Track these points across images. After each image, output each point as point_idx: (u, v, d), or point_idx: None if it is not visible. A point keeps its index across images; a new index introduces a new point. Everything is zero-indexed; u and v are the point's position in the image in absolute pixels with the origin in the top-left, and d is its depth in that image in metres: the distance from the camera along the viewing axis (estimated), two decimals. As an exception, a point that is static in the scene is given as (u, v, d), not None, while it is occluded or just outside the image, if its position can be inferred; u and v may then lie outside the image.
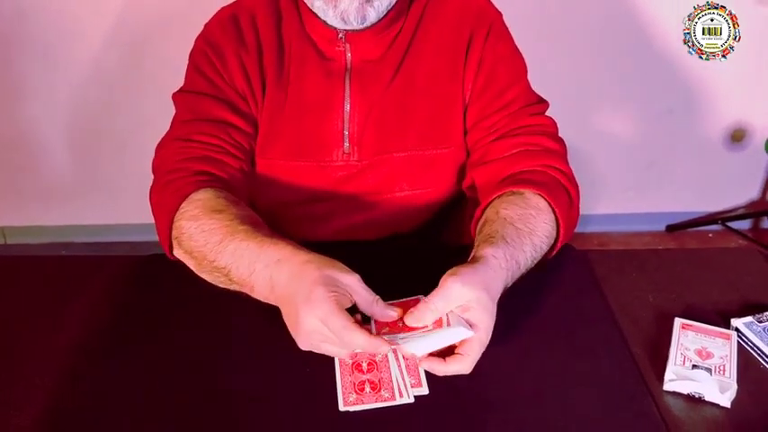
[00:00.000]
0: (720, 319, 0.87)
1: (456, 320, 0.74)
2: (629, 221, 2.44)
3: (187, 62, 1.06)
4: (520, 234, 0.86)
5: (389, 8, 0.99)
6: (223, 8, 1.07)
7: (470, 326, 0.74)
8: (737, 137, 2.31)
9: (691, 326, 0.84)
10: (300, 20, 1.04)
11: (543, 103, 1.06)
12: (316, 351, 0.76)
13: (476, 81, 1.03)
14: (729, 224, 2.40)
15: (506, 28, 1.07)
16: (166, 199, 0.92)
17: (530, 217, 0.89)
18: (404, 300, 0.82)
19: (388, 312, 0.78)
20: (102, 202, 2.32)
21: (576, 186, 0.98)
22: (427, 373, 0.77)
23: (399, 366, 0.78)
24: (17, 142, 2.22)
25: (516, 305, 0.88)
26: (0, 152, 2.24)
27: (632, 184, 2.40)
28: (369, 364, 0.79)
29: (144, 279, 0.97)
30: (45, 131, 2.21)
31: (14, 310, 0.92)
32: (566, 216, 0.93)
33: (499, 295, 0.79)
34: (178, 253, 0.91)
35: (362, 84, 1.03)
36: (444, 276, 0.77)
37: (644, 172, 2.38)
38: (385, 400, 0.75)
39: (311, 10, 1.00)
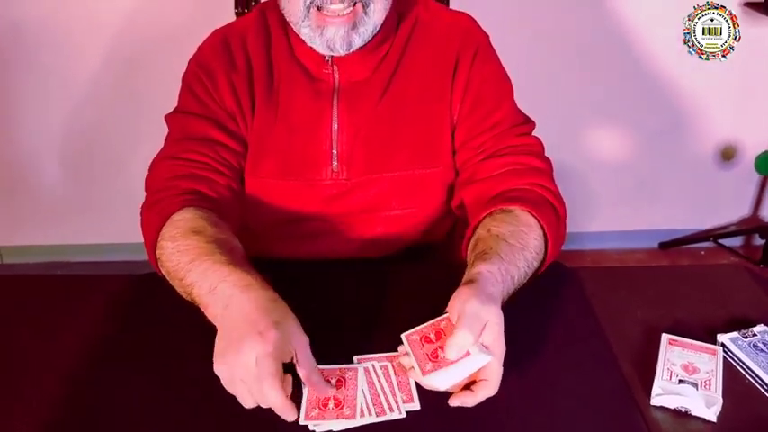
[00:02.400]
0: (707, 334, 0.88)
1: (476, 348, 0.74)
2: (623, 239, 2.46)
3: (180, 84, 1.09)
4: (513, 250, 0.88)
5: (375, 32, 1.01)
6: (215, 31, 1.10)
7: (485, 347, 0.75)
8: (728, 155, 2.33)
9: (677, 341, 0.85)
10: (289, 42, 1.07)
11: (530, 123, 1.08)
12: (225, 386, 0.73)
13: (463, 102, 1.06)
14: (721, 241, 2.42)
15: (493, 49, 1.10)
16: (152, 219, 0.94)
17: (521, 233, 0.91)
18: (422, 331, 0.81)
19: (322, 385, 0.75)
20: (97, 221, 2.33)
21: (563, 204, 1.00)
22: (418, 389, 0.78)
23: (391, 383, 0.79)
24: (12, 162, 2.24)
25: (506, 321, 0.88)
26: (-4, 172, 2.26)
27: (625, 201, 2.43)
28: (337, 381, 0.79)
29: (141, 297, 0.99)
30: (40, 151, 2.23)
31: (13, 330, 0.93)
32: (554, 233, 0.95)
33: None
34: (162, 271, 0.92)
35: (350, 104, 1.05)
36: (456, 300, 0.77)
37: (636, 190, 2.40)
38: (346, 418, 0.75)
39: (298, 34, 1.02)
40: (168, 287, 0.92)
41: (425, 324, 0.80)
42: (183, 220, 0.92)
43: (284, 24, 1.06)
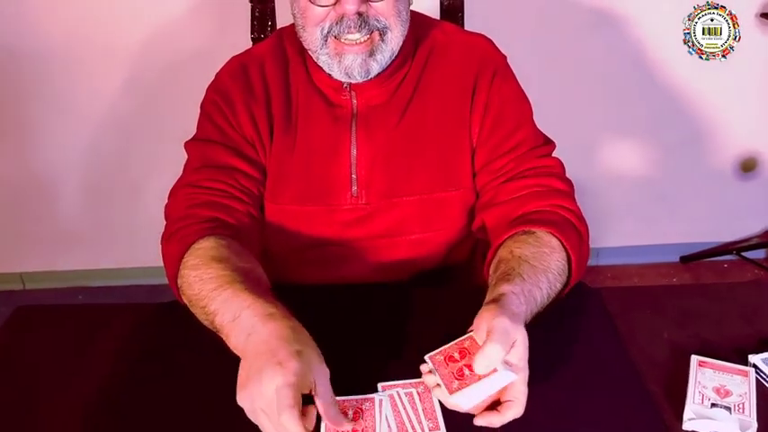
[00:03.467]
0: (737, 355, 0.87)
1: (501, 366, 0.74)
2: (643, 254, 2.43)
3: (199, 111, 1.09)
4: (536, 272, 0.87)
5: (392, 58, 1.02)
6: (233, 58, 1.11)
7: (510, 365, 0.74)
8: (748, 166, 2.31)
9: (708, 363, 0.83)
10: (306, 68, 1.07)
11: (550, 144, 1.07)
12: (248, 416, 0.73)
13: (483, 124, 1.05)
14: (745, 254, 2.38)
15: (511, 70, 1.10)
16: (173, 248, 0.95)
17: (544, 255, 0.90)
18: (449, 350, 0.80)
19: (339, 419, 0.74)
20: (117, 246, 2.35)
21: (586, 224, 1.00)
22: (444, 415, 0.77)
23: (416, 410, 0.79)
24: (34, 189, 2.26)
25: (531, 344, 0.88)
26: (18, 199, 2.28)
27: (645, 215, 2.40)
28: (354, 412, 0.78)
29: (163, 325, 0.99)
30: (61, 178, 2.25)
31: (37, 357, 0.93)
32: (577, 253, 0.94)
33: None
34: (184, 300, 0.93)
35: (368, 128, 1.05)
36: (484, 317, 0.77)
37: (656, 203, 2.38)
38: None
39: (316, 62, 1.03)
40: (190, 315, 0.92)
41: (449, 344, 0.80)
42: (204, 248, 0.92)
43: (302, 51, 1.07)
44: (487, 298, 0.82)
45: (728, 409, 0.76)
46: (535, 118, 1.10)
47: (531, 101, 1.11)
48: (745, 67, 2.00)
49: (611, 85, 2.15)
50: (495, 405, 0.76)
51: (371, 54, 0.98)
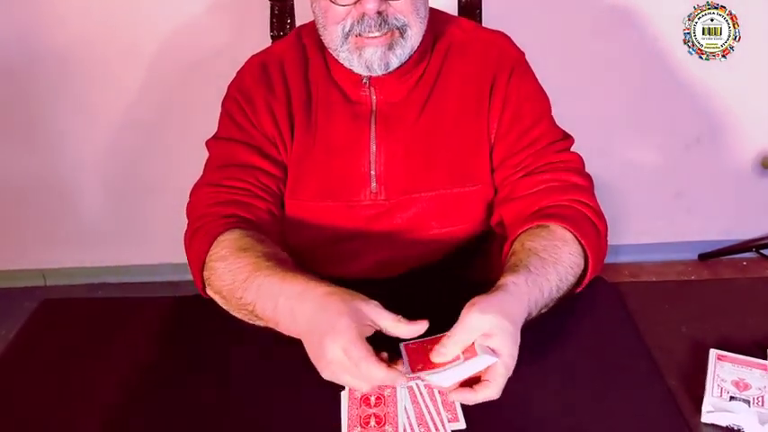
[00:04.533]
0: (757, 349, 0.86)
1: (480, 350, 0.76)
2: (661, 251, 2.42)
3: (220, 109, 1.11)
4: (544, 263, 0.88)
5: (412, 53, 1.02)
6: (253, 56, 1.13)
7: (493, 352, 0.75)
8: (769, 163, 2.29)
9: (727, 357, 0.83)
10: (326, 65, 1.08)
11: (568, 139, 1.08)
12: (337, 382, 0.77)
13: (501, 120, 1.06)
14: (764, 251, 2.36)
15: (529, 67, 1.10)
16: (197, 243, 0.97)
17: (555, 248, 0.91)
18: (429, 338, 0.82)
19: (414, 327, 0.78)
20: (137, 243, 2.37)
21: (604, 220, 1.00)
22: (464, 408, 0.78)
23: (435, 402, 0.79)
24: (56, 187, 2.30)
25: (549, 339, 0.88)
26: (40, 198, 2.31)
27: (662, 213, 2.39)
28: (377, 398, 0.80)
29: (184, 319, 1.00)
30: (82, 176, 2.28)
31: (61, 350, 0.95)
32: (594, 248, 0.94)
33: (522, 320, 0.81)
34: (210, 292, 0.96)
35: (387, 125, 1.06)
36: (464, 308, 0.78)
37: (674, 201, 2.36)
38: None
39: (336, 58, 1.04)
40: (211, 308, 0.94)
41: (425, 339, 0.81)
42: (229, 240, 0.94)
43: (321, 48, 1.08)
44: (497, 284, 0.84)
45: (747, 402, 0.76)
46: (553, 114, 1.10)
47: (547, 93, 1.11)
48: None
49: (629, 82, 2.15)
50: (474, 382, 0.77)
51: (391, 47, 0.99)
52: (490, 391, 0.75)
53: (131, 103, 2.15)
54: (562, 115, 1.14)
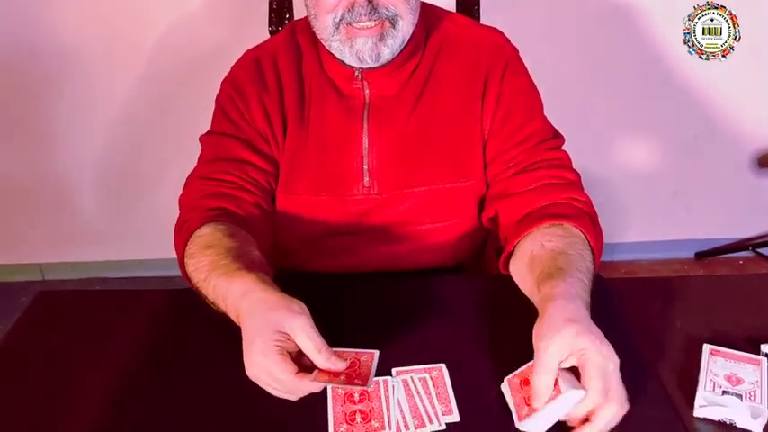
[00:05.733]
0: (749, 344, 0.87)
1: (566, 384, 0.72)
2: (657, 249, 2.42)
3: (214, 105, 1.12)
4: (571, 260, 0.88)
5: (403, 46, 1.03)
6: (247, 52, 1.13)
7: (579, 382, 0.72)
8: (765, 161, 2.29)
9: (720, 352, 0.84)
10: (319, 59, 1.09)
11: (559, 137, 1.08)
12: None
13: (494, 116, 1.06)
14: (760, 250, 2.37)
15: (522, 63, 1.10)
16: (180, 238, 0.99)
17: (575, 244, 0.91)
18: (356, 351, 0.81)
19: (332, 362, 0.76)
20: (134, 238, 2.38)
21: (596, 214, 1.01)
22: (458, 401, 0.79)
23: (429, 394, 0.80)
24: (53, 182, 2.30)
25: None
26: (38, 193, 2.31)
27: (659, 211, 2.39)
28: (360, 394, 0.80)
29: (179, 310, 1.01)
30: (80, 171, 2.29)
31: (58, 342, 0.96)
32: (598, 246, 0.95)
33: (586, 313, 0.79)
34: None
35: (380, 119, 1.07)
36: (534, 339, 0.76)
37: (670, 199, 2.37)
38: (375, 430, 0.76)
39: (329, 50, 1.04)
40: (203, 301, 0.94)
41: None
42: (202, 236, 0.96)
43: (314, 43, 1.08)
44: (541, 302, 0.81)
45: (740, 396, 0.76)
46: (550, 113, 1.11)
47: (545, 95, 1.11)
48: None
49: (628, 81, 2.15)
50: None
51: (382, 38, 1.00)
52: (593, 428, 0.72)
53: (129, 99, 2.15)
54: (560, 113, 1.15)
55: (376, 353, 0.81)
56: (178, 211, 1.06)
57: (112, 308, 1.03)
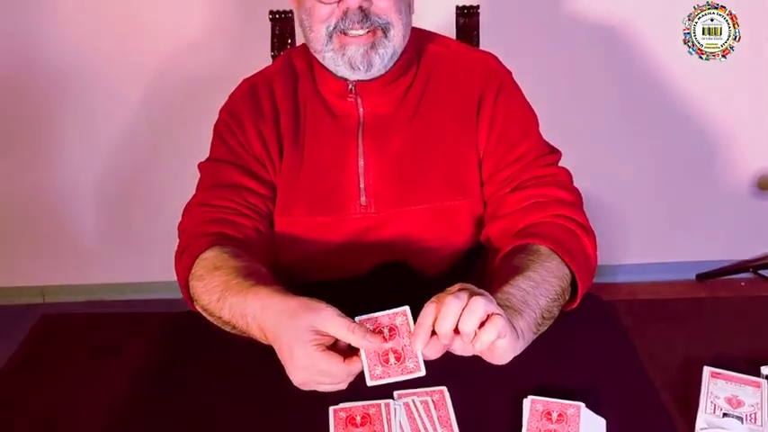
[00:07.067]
0: (750, 367, 0.87)
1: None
2: (659, 271, 2.42)
3: (212, 131, 1.14)
4: (531, 283, 0.89)
5: (395, 58, 1.05)
6: (244, 80, 1.16)
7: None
8: (765, 184, 2.30)
9: (720, 374, 0.84)
10: (314, 80, 1.11)
11: (555, 153, 1.09)
12: (314, 389, 0.81)
13: (489, 136, 1.08)
14: (762, 272, 2.37)
15: (516, 84, 1.12)
16: (183, 262, 1.00)
17: (538, 266, 0.92)
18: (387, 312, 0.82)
19: (368, 339, 0.78)
20: (135, 260, 2.38)
21: (591, 233, 1.01)
22: (459, 424, 0.79)
23: (431, 417, 0.80)
24: (54, 204, 2.31)
25: (544, 355, 0.89)
26: (39, 214, 2.32)
27: (660, 233, 2.40)
28: (362, 417, 0.80)
29: (180, 334, 1.01)
30: (80, 193, 2.30)
31: (60, 365, 0.96)
32: (581, 264, 0.95)
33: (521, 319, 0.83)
34: (198, 308, 0.98)
35: (375, 138, 1.08)
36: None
37: (671, 221, 2.37)
38: None
39: (323, 65, 1.06)
40: (205, 323, 0.95)
41: (381, 313, 0.81)
42: (207, 258, 0.97)
43: (310, 64, 1.11)
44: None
45: (740, 419, 0.76)
46: (549, 134, 1.12)
47: (544, 118, 1.13)
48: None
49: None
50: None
51: (373, 46, 1.02)
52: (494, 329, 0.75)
53: (131, 121, 2.17)
54: (559, 132, 1.16)
55: (406, 309, 0.81)
56: (178, 239, 1.07)
57: (115, 332, 1.03)
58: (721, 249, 2.42)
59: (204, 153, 1.14)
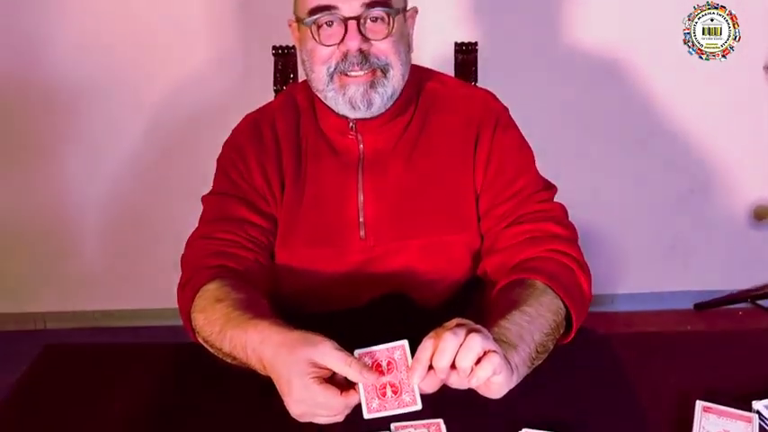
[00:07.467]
0: (743, 401, 0.88)
1: None
2: (656, 301, 2.43)
3: (215, 164, 1.17)
4: (524, 316, 0.90)
5: (394, 97, 1.08)
6: (247, 115, 1.19)
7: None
8: (761, 214, 2.32)
9: (712, 408, 0.85)
10: (315, 116, 1.14)
11: (551, 188, 1.12)
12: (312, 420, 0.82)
13: (486, 172, 1.10)
14: (760, 302, 2.37)
15: (512, 120, 1.15)
16: (185, 294, 1.02)
17: (532, 302, 0.93)
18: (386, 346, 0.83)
19: (364, 375, 0.79)
20: (137, 287, 2.39)
21: (585, 268, 1.03)
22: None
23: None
24: (57, 232, 2.32)
25: (538, 388, 0.90)
26: (41, 241, 2.34)
27: (658, 262, 2.41)
28: None
29: (181, 366, 1.03)
30: (82, 219, 2.31)
31: (64, 396, 0.97)
32: (576, 299, 0.97)
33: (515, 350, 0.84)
34: (200, 340, 1.00)
35: (374, 173, 1.11)
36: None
37: (669, 251, 2.39)
38: None
39: (324, 103, 1.09)
40: (206, 355, 0.96)
41: (380, 347, 0.83)
42: (209, 291, 0.99)
43: (311, 100, 1.14)
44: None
45: (732, 453, 0.77)
46: (546, 166, 1.14)
47: (541, 149, 1.15)
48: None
49: (621, 134, 2.19)
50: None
51: (372, 86, 1.04)
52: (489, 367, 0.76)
53: (135, 149, 2.20)
54: (555, 163, 1.18)
55: (405, 344, 0.82)
56: (180, 270, 1.09)
57: (118, 363, 1.05)
58: (720, 279, 2.43)
59: (208, 181, 1.17)
